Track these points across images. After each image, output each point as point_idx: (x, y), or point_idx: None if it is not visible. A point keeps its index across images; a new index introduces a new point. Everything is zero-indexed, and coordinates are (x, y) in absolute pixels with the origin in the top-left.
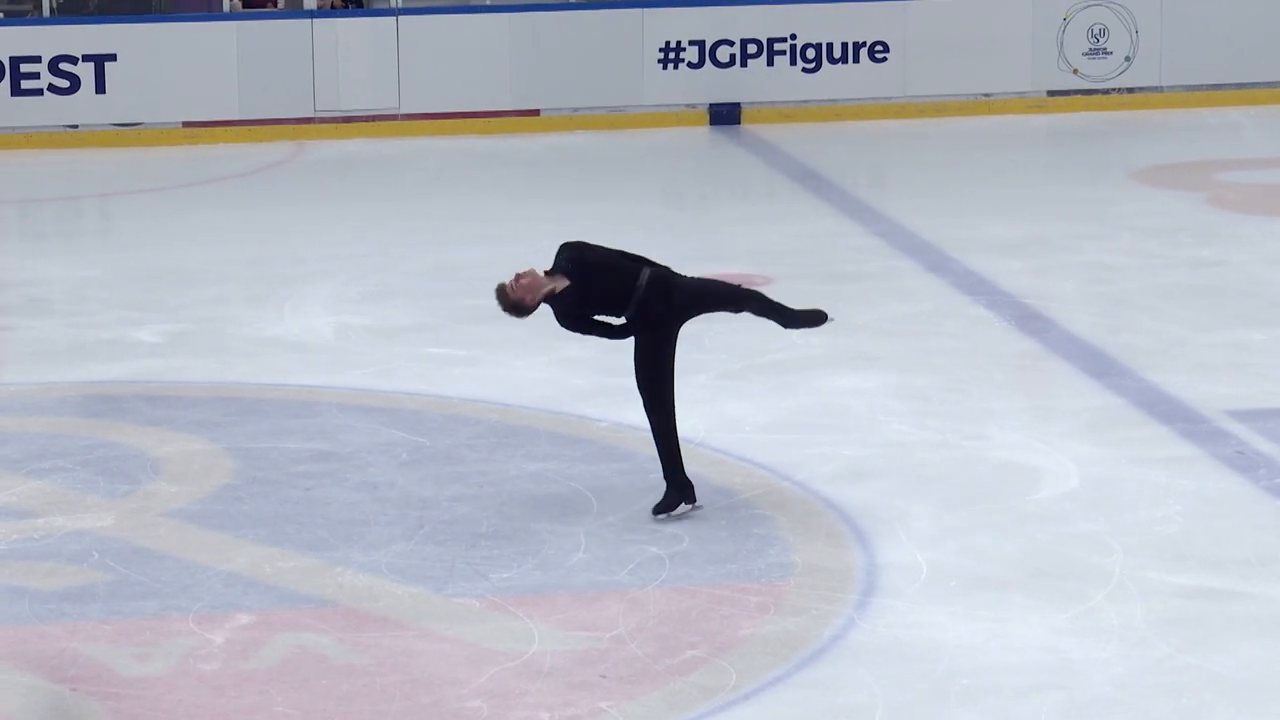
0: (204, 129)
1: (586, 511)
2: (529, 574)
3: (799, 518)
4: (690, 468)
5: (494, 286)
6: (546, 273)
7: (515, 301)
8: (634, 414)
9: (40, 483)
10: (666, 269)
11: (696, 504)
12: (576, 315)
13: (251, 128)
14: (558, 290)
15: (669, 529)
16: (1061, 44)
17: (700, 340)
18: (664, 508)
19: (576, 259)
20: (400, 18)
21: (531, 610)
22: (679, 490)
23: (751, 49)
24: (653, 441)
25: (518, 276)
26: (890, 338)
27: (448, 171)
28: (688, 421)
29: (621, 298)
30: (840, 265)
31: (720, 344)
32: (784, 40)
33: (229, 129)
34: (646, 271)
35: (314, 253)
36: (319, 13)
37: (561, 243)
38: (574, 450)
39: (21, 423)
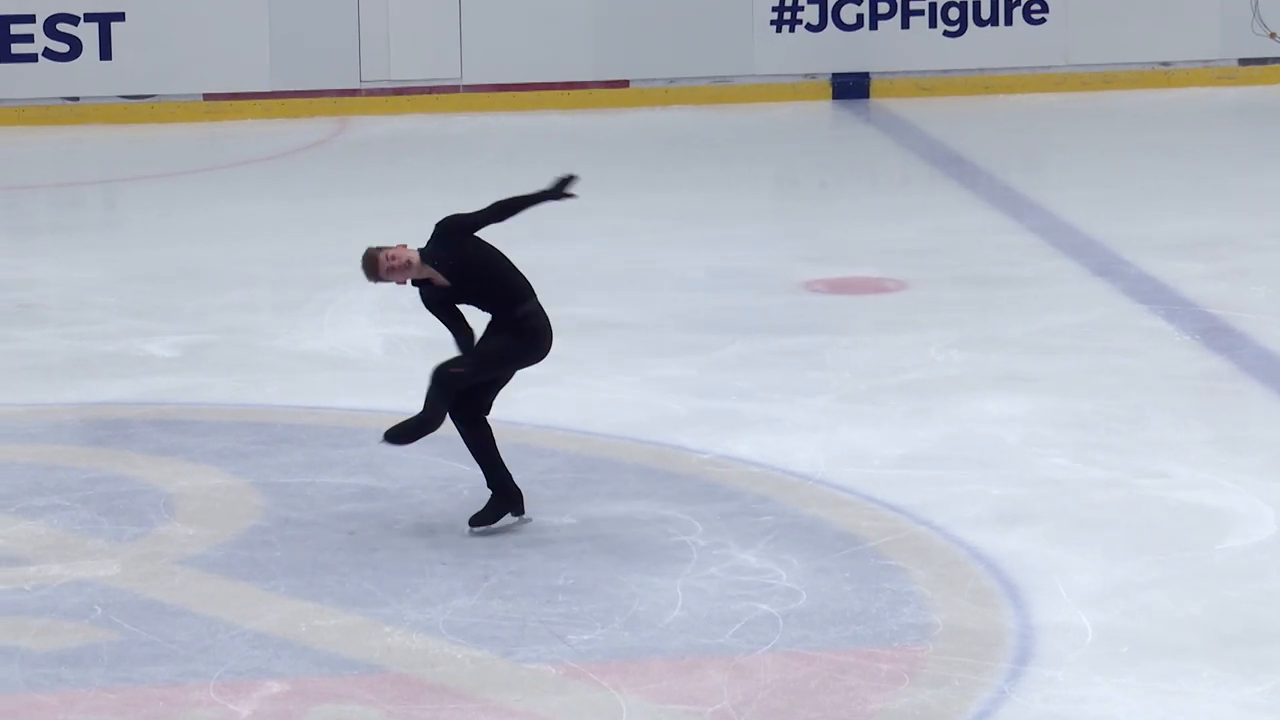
0: (228, 103)
1: (684, 561)
2: (615, 635)
3: (938, 570)
4: (809, 508)
5: (363, 251)
6: (421, 256)
7: (379, 278)
8: (740, 445)
9: (33, 523)
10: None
11: (525, 516)
12: (439, 302)
13: (285, 102)
14: (434, 283)
15: (783, 583)
16: (1256, 3)
17: (819, 356)
18: (484, 519)
19: (457, 258)
20: None
21: (618, 679)
22: (508, 499)
23: (883, 8)
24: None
25: (390, 255)
26: (1048, 354)
27: (518, 154)
28: (803, 453)
29: (495, 310)
30: (988, 267)
31: (842, 360)
32: None
33: (258, 103)
34: (532, 303)
35: (358, 250)
36: None
37: (441, 222)
38: (668, 487)
39: (10, 452)
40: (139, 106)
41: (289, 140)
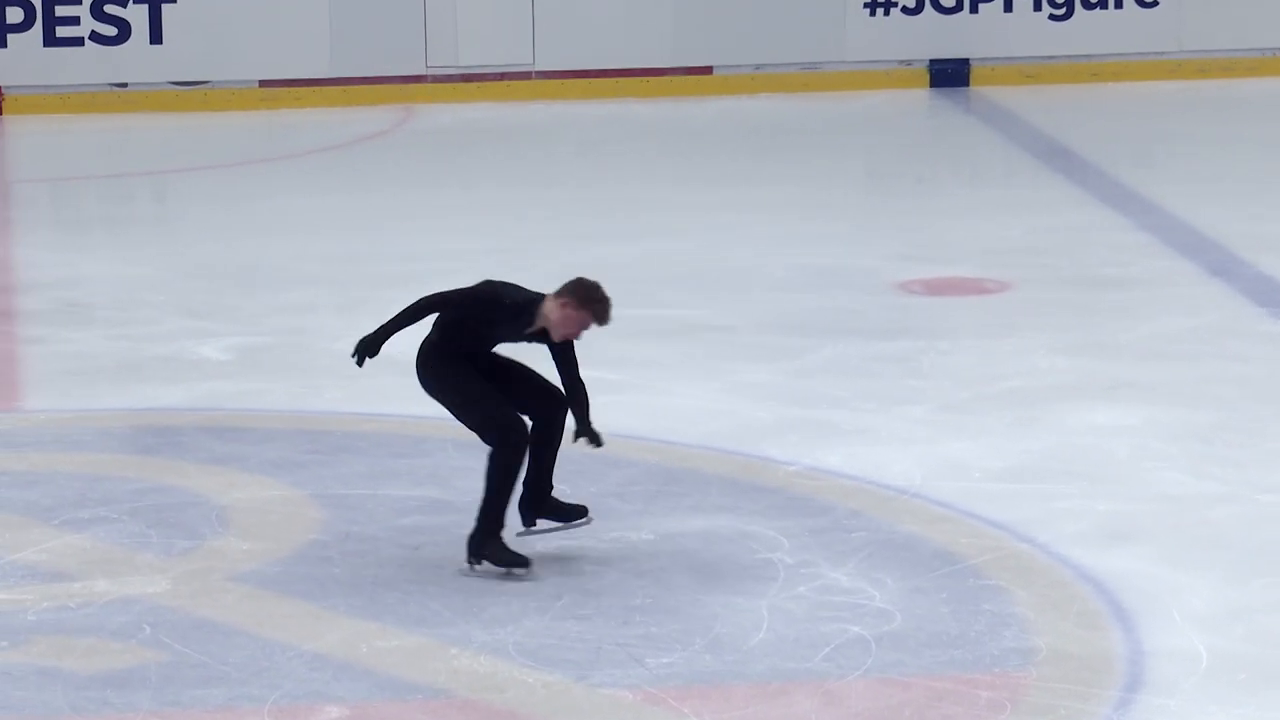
0: (286, 90)
1: (770, 579)
2: (696, 658)
3: (1042, 591)
4: (904, 524)
5: (603, 292)
6: None
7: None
8: (831, 456)
9: (78, 537)
10: None
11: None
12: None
13: (346, 89)
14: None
15: (876, 604)
16: None
17: (916, 361)
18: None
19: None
20: None
21: (700, 705)
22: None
23: None
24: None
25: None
26: (1161, 361)
27: (594, 145)
28: (898, 465)
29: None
30: (1098, 268)
31: (941, 366)
32: None
33: (317, 90)
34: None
35: (423, 247)
36: None
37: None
38: (753, 501)
39: (54, 461)
40: (191, 94)
41: (350, 130)
